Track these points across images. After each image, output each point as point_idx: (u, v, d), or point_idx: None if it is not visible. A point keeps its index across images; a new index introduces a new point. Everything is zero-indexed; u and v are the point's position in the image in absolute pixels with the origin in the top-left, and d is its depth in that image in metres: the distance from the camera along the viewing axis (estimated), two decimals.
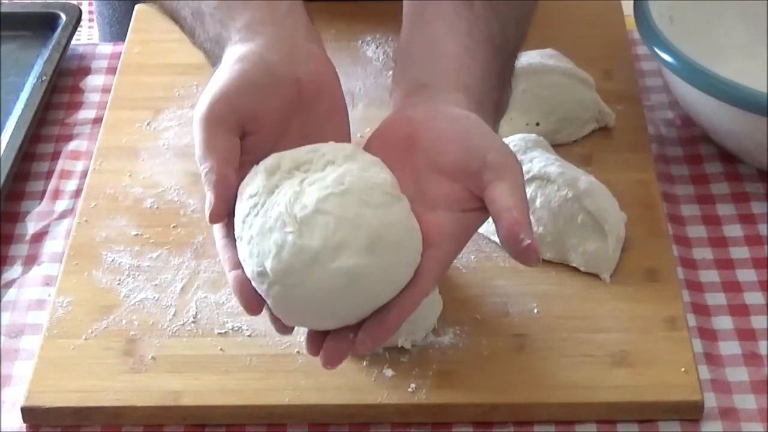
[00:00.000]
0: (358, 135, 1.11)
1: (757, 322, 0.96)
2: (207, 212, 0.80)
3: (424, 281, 0.80)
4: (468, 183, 0.82)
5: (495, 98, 0.89)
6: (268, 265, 0.77)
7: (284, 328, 0.82)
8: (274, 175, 0.81)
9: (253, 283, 0.79)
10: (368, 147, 0.86)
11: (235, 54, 0.85)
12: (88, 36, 1.29)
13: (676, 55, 1.05)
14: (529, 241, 0.78)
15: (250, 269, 0.79)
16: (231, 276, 0.80)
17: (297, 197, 0.78)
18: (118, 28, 1.37)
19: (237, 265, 0.80)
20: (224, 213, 0.80)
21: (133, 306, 0.96)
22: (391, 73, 1.17)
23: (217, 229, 0.83)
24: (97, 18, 1.47)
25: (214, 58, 0.90)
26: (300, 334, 0.93)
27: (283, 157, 0.82)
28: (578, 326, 0.94)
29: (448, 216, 0.82)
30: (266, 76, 0.84)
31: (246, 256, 0.79)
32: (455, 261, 0.97)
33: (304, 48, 0.87)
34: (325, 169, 0.81)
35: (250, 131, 0.84)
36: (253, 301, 0.80)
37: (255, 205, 0.79)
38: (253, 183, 0.81)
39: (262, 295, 0.79)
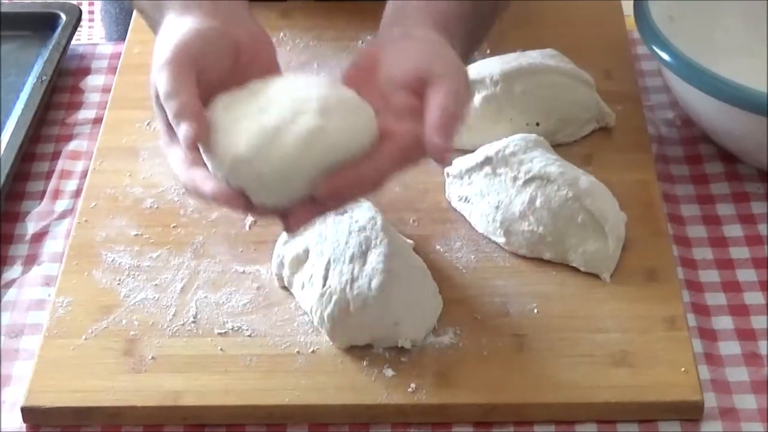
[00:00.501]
0: None
1: (757, 322, 0.96)
2: (189, 135, 0.82)
3: (381, 158, 0.84)
4: (422, 92, 0.85)
5: (464, 35, 0.93)
6: (241, 150, 0.82)
7: (263, 213, 0.85)
8: (228, 102, 0.86)
9: (231, 182, 0.83)
10: (343, 80, 0.89)
11: (179, 20, 0.88)
12: (88, 36, 1.29)
13: (676, 55, 1.05)
14: (439, 141, 0.82)
15: (225, 167, 0.83)
16: (209, 187, 0.83)
17: (250, 101, 0.85)
18: (123, 27, 1.37)
19: (212, 179, 0.84)
20: (207, 136, 0.83)
21: (133, 306, 0.96)
22: None
23: (185, 167, 0.85)
24: (103, 16, 1.47)
25: (152, 22, 0.93)
26: (300, 334, 0.93)
27: (231, 92, 0.86)
28: (578, 326, 0.94)
29: (414, 122, 0.84)
30: (213, 38, 0.87)
31: (219, 154, 0.83)
32: (455, 261, 0.98)
33: (240, 14, 0.90)
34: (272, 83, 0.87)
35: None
36: (234, 196, 0.83)
37: (216, 125, 0.84)
38: (210, 112, 0.85)
39: (244, 188, 0.83)
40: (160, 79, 0.84)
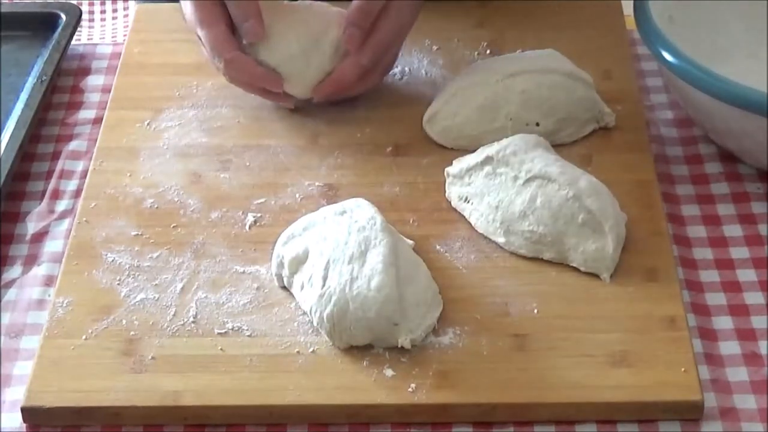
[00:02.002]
0: (358, 135, 1.11)
1: (757, 322, 0.96)
2: (256, 31, 1.07)
3: (346, 63, 1.10)
4: None
5: None
6: (295, 50, 1.10)
7: (286, 99, 1.12)
8: (271, 8, 1.11)
9: (278, 70, 1.10)
10: None
11: None
12: (88, 36, 1.28)
13: (676, 54, 1.05)
14: (346, 29, 1.07)
15: (278, 57, 1.10)
16: (259, 70, 1.09)
17: (293, 13, 1.11)
18: None
19: (256, 63, 1.09)
20: (264, 35, 1.08)
21: (133, 306, 0.96)
22: (391, 73, 1.18)
23: (230, 47, 1.07)
24: None
25: None
26: (300, 334, 0.93)
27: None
28: (578, 326, 0.94)
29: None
30: None
31: (274, 48, 1.10)
32: (455, 261, 0.98)
33: None
34: None
35: None
36: (277, 80, 1.09)
37: (269, 27, 1.10)
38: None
39: (285, 77, 1.10)
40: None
